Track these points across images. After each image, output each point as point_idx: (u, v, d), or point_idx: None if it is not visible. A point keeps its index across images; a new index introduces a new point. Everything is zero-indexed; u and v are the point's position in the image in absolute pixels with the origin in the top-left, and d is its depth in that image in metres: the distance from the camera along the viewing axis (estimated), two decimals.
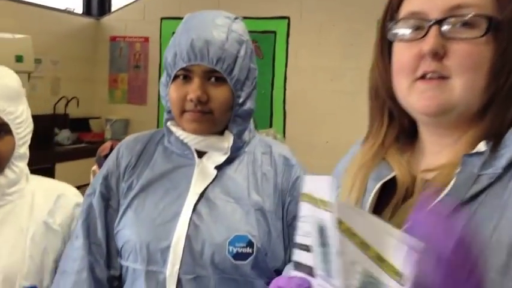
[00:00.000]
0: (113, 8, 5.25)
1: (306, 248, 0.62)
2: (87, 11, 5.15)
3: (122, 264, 1.08)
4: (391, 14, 0.74)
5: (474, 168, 0.63)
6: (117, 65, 5.06)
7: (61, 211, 1.21)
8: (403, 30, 0.70)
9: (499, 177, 0.62)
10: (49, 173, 3.95)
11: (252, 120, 1.14)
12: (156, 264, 1.01)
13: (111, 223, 1.09)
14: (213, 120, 1.05)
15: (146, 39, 4.93)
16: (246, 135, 1.11)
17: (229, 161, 1.08)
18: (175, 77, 1.05)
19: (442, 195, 0.63)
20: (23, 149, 1.18)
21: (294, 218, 1.06)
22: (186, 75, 1.04)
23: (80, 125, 4.82)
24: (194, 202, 1.04)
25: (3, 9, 4.06)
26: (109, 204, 1.10)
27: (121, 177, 1.10)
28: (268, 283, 1.01)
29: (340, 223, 0.55)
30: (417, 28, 0.69)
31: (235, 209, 1.04)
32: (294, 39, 4.52)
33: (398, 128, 0.77)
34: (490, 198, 0.62)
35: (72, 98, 4.72)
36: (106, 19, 5.11)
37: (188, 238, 1.01)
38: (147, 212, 1.05)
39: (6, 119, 1.12)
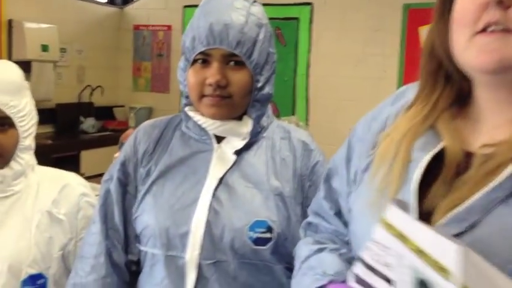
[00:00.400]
0: None
1: (382, 276, 0.58)
2: (111, 0, 5.18)
3: (140, 249, 1.08)
4: None
5: None
6: (140, 54, 5.10)
7: (66, 201, 1.22)
8: None
9: None
10: (74, 160, 4.03)
11: (269, 106, 1.12)
12: (176, 249, 1.02)
13: (129, 209, 1.10)
14: (232, 104, 1.04)
15: (169, 28, 4.95)
16: (264, 121, 1.10)
17: (247, 147, 1.07)
18: (194, 61, 1.04)
19: (503, 178, 0.58)
20: (27, 141, 1.19)
21: None
22: (204, 59, 1.03)
23: (105, 113, 4.89)
24: (213, 187, 1.03)
25: None
26: (127, 190, 1.10)
27: (139, 163, 1.10)
28: (287, 268, 1.04)
29: None
30: None
31: (254, 194, 1.03)
32: (317, 25, 4.47)
33: (455, 92, 0.69)
34: None
35: (97, 86, 4.78)
36: (129, 8, 5.14)
37: (208, 223, 1.01)
38: (165, 197, 1.05)
39: (8, 112, 1.13)
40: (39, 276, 1.15)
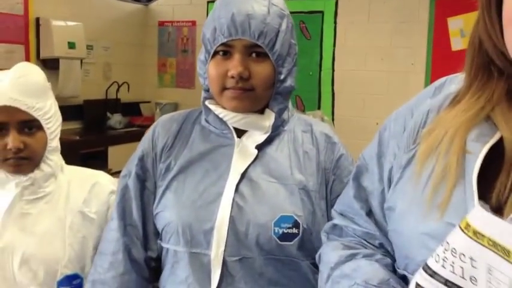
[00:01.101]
0: None
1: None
2: None
3: (162, 246, 1.07)
4: None
5: None
6: (165, 50, 5.12)
7: (96, 199, 1.23)
8: None
9: None
10: (102, 156, 4.07)
11: (290, 99, 1.10)
12: (200, 246, 1.00)
13: (148, 205, 1.08)
14: (254, 97, 1.01)
15: (193, 23, 4.95)
16: (285, 114, 1.07)
17: (269, 140, 1.05)
18: (215, 53, 1.02)
19: None
20: (54, 143, 1.20)
21: (338, 197, 1.03)
22: (226, 51, 1.01)
23: (131, 109, 4.93)
24: (236, 182, 1.01)
25: None
26: (145, 186, 1.09)
27: (157, 158, 1.09)
28: (313, 264, 1.01)
29: None
30: None
31: (278, 189, 1.01)
32: (342, 18, 4.41)
33: (510, 84, 0.65)
34: None
35: (123, 82, 4.82)
36: (154, 4, 5.16)
37: (232, 219, 0.99)
38: (187, 193, 1.03)
39: (36, 115, 1.14)
40: (74, 276, 1.16)
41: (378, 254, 0.74)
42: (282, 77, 1.03)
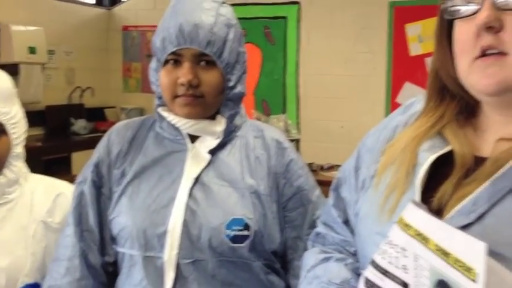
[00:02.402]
0: None
1: (397, 279, 0.56)
2: (99, 1, 5.17)
3: (117, 250, 1.08)
4: None
5: None
6: (130, 55, 5.10)
7: (60, 209, 1.22)
8: (458, 8, 0.66)
9: None
10: (66, 162, 4.02)
11: (242, 105, 1.13)
12: (154, 249, 1.02)
13: (104, 210, 1.10)
14: (204, 104, 1.05)
15: None
16: (238, 120, 1.11)
17: (222, 146, 1.08)
18: (165, 62, 1.05)
19: (506, 168, 0.60)
20: (18, 149, 1.19)
21: (289, 199, 1.08)
22: (176, 59, 1.04)
23: (96, 114, 4.88)
24: (189, 187, 1.04)
25: (16, 1, 4.11)
26: (101, 192, 1.10)
27: (112, 164, 1.10)
28: (265, 264, 1.05)
29: None
30: (473, 4, 0.64)
31: (230, 193, 1.04)
32: (305, 24, 4.49)
33: (461, 106, 0.72)
34: None
35: (87, 88, 4.78)
36: (117, 9, 5.14)
37: (185, 223, 1.01)
38: (141, 198, 1.05)
39: (1, 119, 1.13)
40: (35, 285, 1.15)
41: (350, 259, 0.79)
42: (232, 83, 1.06)
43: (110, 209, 1.09)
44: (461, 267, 0.50)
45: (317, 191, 1.13)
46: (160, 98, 1.09)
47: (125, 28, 5.09)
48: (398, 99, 4.16)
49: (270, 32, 4.52)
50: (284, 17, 4.52)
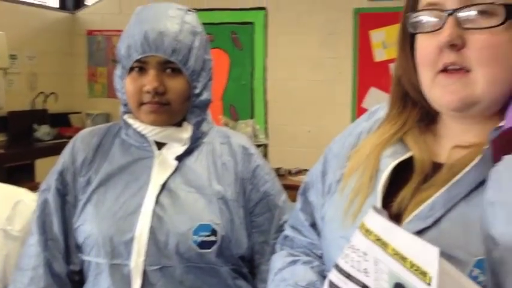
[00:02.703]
0: (89, 2, 5.19)
1: (359, 282, 0.58)
2: (62, 5, 5.08)
3: (83, 259, 1.07)
4: (411, 5, 0.70)
5: None
6: (95, 59, 5.02)
7: (20, 217, 1.19)
8: (421, 22, 0.67)
9: None
10: (29, 169, 3.93)
11: (209, 112, 1.14)
12: (121, 257, 1.01)
13: (69, 218, 1.08)
14: (170, 111, 1.05)
15: None
16: (205, 126, 1.11)
17: (188, 152, 1.08)
18: (131, 69, 1.05)
19: (462, 174, 0.62)
20: None
21: (256, 205, 1.10)
22: (141, 67, 1.04)
23: (60, 120, 4.78)
24: (156, 194, 1.04)
25: None
26: (66, 200, 1.09)
27: (78, 172, 1.09)
28: (232, 269, 1.06)
29: None
30: (436, 19, 0.66)
31: (197, 199, 1.04)
32: (272, 29, 4.53)
33: (422, 113, 0.74)
34: None
35: (51, 93, 4.67)
36: (82, 13, 5.06)
37: (152, 230, 1.01)
38: (108, 206, 1.05)
39: None
40: None
41: (316, 262, 0.81)
42: (198, 91, 1.07)
43: (75, 217, 1.08)
44: (416, 271, 0.52)
45: (283, 196, 1.14)
46: (125, 105, 1.09)
47: (90, 32, 5.01)
48: (364, 104, 4.24)
49: (237, 38, 4.54)
50: (251, 23, 4.55)
